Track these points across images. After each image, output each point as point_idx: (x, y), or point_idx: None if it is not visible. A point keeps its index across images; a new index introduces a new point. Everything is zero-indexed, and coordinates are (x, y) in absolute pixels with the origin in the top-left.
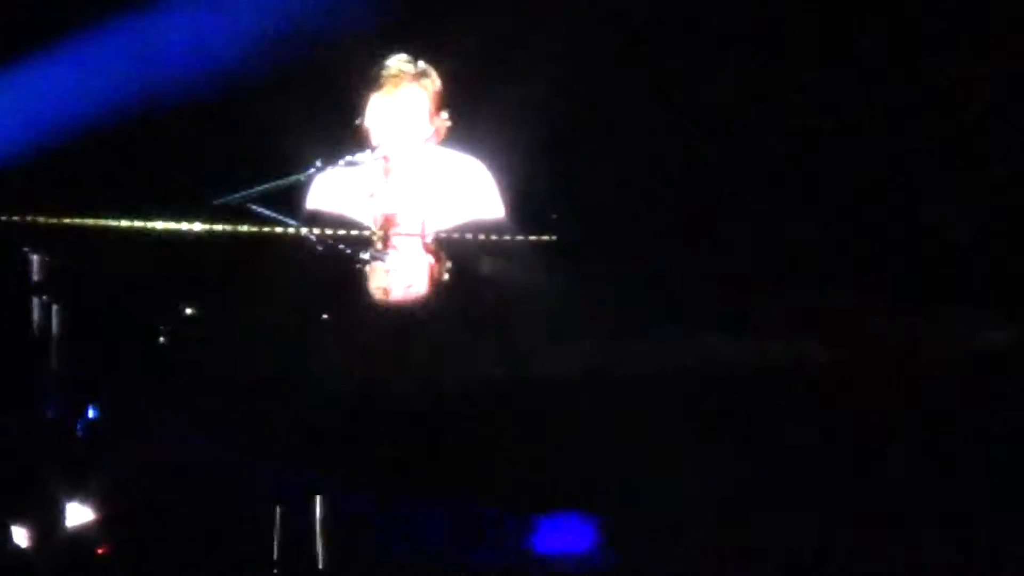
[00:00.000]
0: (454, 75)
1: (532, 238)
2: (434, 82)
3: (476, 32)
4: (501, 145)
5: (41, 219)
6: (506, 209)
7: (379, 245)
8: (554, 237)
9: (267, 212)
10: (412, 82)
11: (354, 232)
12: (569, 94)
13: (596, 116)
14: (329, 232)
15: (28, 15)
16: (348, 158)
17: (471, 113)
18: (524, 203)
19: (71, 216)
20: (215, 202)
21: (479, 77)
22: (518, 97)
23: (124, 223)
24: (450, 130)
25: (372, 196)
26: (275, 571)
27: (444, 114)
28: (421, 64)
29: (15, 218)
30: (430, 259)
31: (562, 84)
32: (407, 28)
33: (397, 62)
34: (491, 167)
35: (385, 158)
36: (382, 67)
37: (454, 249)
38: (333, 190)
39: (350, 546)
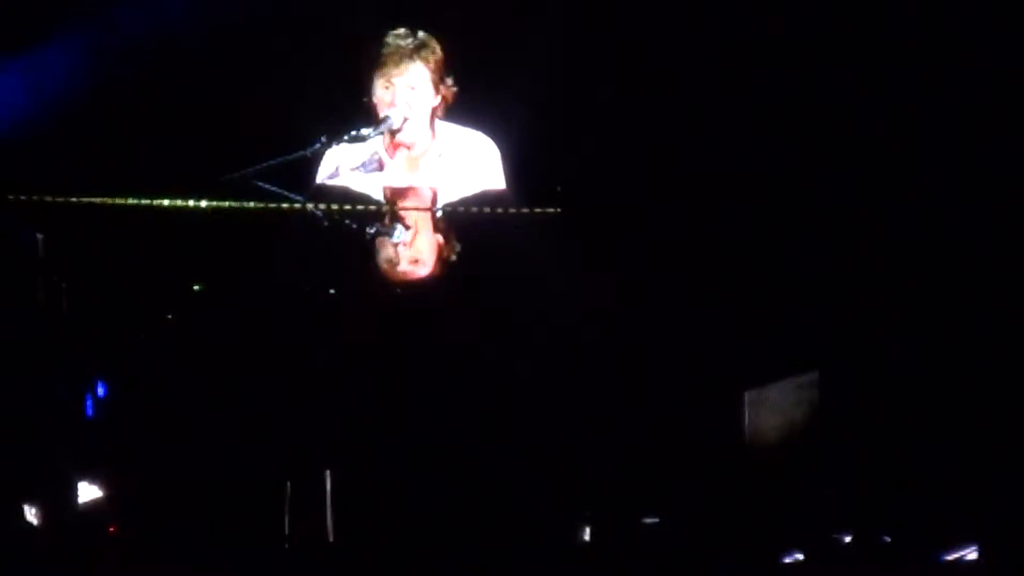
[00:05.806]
0: (457, 43)
1: (537, 210)
2: (435, 52)
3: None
4: (506, 116)
5: (48, 198)
6: (510, 183)
7: (387, 219)
8: (558, 210)
9: (273, 188)
10: (411, 57)
11: (361, 207)
12: (573, 69)
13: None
14: (336, 207)
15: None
16: (353, 133)
17: (475, 84)
18: (528, 176)
19: (77, 195)
20: (221, 179)
21: (483, 46)
22: (522, 69)
23: (130, 201)
24: (456, 96)
25: (381, 170)
26: (285, 545)
27: (449, 80)
28: (420, 35)
29: (21, 197)
30: (439, 237)
31: (566, 59)
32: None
33: (394, 38)
34: (497, 139)
35: (392, 132)
36: (381, 44)
37: (463, 226)
38: (341, 165)
39: (360, 520)
